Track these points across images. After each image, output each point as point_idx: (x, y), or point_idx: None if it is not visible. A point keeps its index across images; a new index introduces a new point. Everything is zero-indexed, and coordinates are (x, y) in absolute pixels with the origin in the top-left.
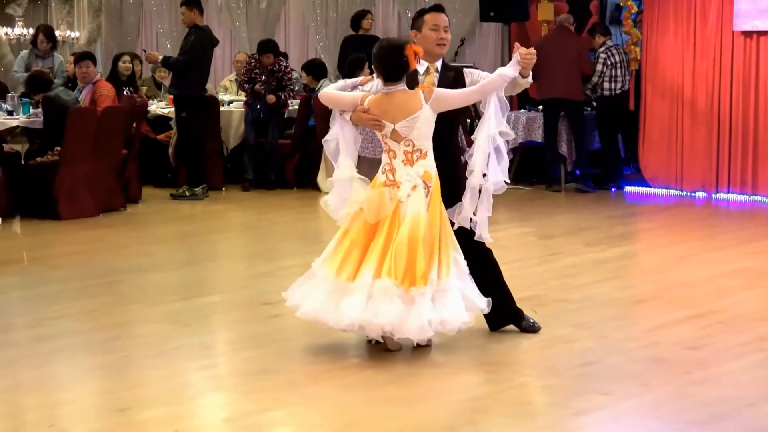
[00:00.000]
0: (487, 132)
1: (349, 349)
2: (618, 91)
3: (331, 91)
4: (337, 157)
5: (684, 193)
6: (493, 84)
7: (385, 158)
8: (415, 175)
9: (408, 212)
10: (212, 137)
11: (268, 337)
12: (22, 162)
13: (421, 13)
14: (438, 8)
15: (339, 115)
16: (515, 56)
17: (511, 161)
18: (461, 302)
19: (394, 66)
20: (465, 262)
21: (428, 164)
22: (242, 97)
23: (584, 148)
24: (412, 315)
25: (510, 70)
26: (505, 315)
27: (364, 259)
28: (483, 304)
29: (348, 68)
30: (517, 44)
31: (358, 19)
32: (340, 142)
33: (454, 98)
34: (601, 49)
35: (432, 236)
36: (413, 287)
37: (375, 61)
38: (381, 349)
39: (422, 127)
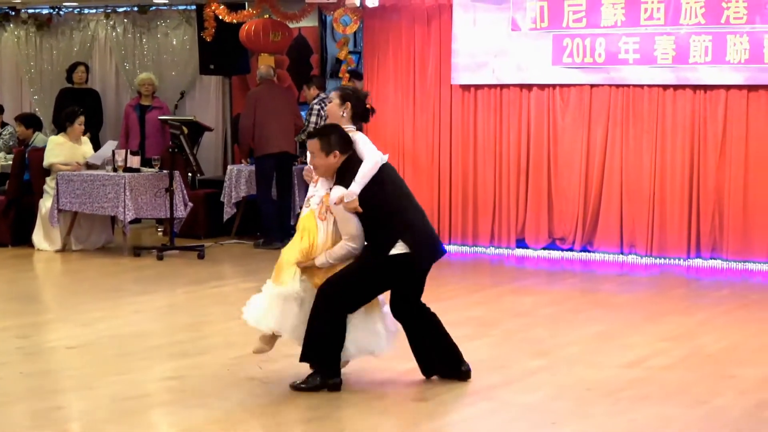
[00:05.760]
0: None
1: (71, 412)
2: None
3: None
4: None
5: None
6: None
7: None
8: None
9: None
10: None
11: None
12: None
13: None
14: None
15: None
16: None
17: (234, 215)
18: None
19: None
20: None
21: None
22: None
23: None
24: None
25: None
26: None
27: None
28: None
29: (62, 120)
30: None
31: (70, 72)
32: None
33: None
34: (315, 100)
35: None
36: None
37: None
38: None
39: None
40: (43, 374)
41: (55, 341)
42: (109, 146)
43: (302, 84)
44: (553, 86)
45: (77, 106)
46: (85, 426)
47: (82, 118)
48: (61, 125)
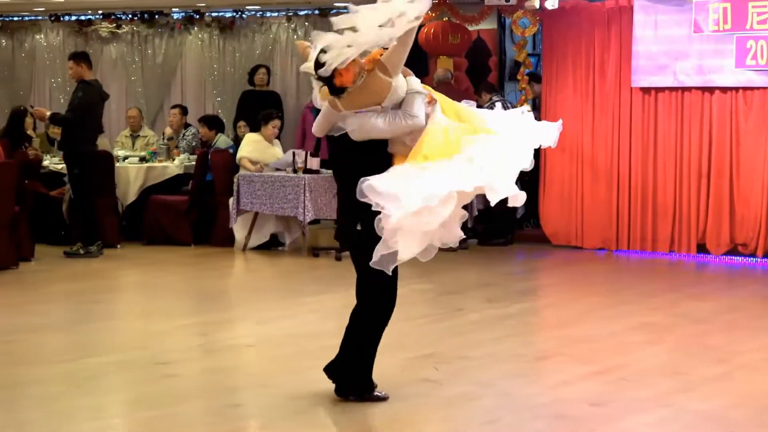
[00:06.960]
0: None
1: (248, 409)
2: None
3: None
4: None
5: (584, 249)
6: None
7: None
8: None
9: None
10: (107, 194)
11: (165, 397)
12: None
13: None
14: None
15: None
16: None
17: None
18: None
19: None
20: None
21: None
22: (138, 152)
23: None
24: None
25: None
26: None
27: None
28: None
29: (258, 120)
30: None
31: (251, 74)
32: None
33: None
34: (486, 105)
35: None
36: None
37: None
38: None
39: None
40: (222, 371)
41: (234, 339)
42: (289, 155)
43: (479, 86)
44: (736, 89)
45: (274, 109)
46: (260, 424)
47: (276, 122)
48: (257, 127)
